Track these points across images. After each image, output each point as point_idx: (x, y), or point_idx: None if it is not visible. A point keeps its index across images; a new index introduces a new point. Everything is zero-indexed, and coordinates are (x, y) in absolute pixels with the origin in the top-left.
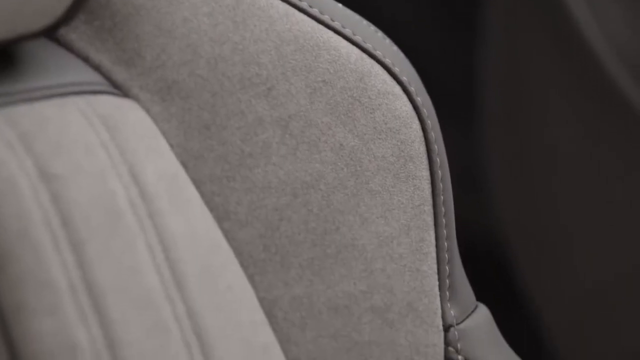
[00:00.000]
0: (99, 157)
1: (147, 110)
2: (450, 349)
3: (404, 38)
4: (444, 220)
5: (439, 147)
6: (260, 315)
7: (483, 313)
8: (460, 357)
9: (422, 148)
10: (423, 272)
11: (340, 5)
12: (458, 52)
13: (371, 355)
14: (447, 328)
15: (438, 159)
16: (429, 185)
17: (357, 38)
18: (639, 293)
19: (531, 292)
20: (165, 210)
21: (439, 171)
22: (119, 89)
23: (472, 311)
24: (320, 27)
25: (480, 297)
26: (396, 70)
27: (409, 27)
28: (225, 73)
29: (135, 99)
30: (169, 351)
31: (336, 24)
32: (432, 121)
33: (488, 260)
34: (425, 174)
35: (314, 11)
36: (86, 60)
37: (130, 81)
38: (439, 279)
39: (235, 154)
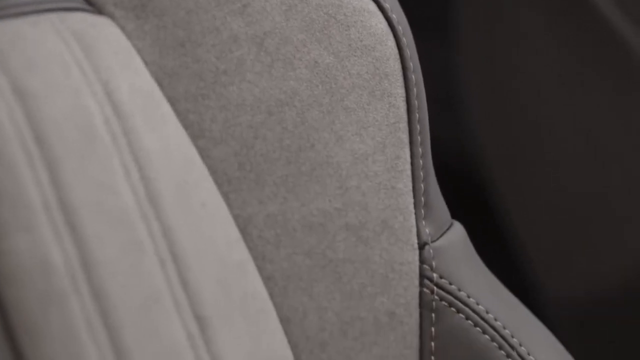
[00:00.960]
0: (73, 74)
1: (122, 28)
2: (425, 266)
3: None
4: (419, 138)
5: (414, 64)
6: (234, 233)
7: (458, 231)
8: (435, 274)
9: (397, 65)
10: (398, 189)
11: None
12: None
13: (345, 272)
14: (422, 246)
15: (413, 77)
16: (404, 103)
17: None
18: (617, 210)
19: (507, 210)
20: (139, 127)
21: (414, 89)
22: (93, 6)
23: (447, 229)
24: None
25: (456, 215)
26: None
27: None
28: None
29: (110, 16)
30: (143, 269)
31: None
32: (407, 38)
33: (464, 178)
34: (401, 91)
35: None
36: None
37: None
38: (414, 197)
39: (209, 72)
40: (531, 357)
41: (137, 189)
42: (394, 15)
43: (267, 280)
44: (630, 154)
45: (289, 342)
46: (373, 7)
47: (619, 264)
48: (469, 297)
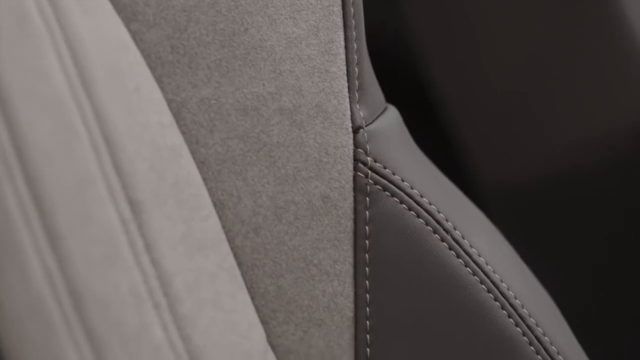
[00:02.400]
0: None
1: None
2: (359, 150)
3: None
4: (353, 21)
5: None
6: (168, 117)
7: (392, 115)
8: (369, 158)
9: None
10: (332, 73)
11: None
12: None
13: (280, 156)
14: (356, 130)
15: None
16: None
17: None
18: (551, 93)
19: (442, 95)
20: (72, 11)
21: None
22: None
23: (381, 113)
24: None
25: (390, 98)
26: None
27: None
28: None
29: None
30: (76, 153)
31: None
32: None
33: (398, 61)
34: None
35: None
36: None
37: None
38: (348, 81)
39: None
40: (465, 240)
41: (70, 73)
42: None
43: (201, 164)
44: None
45: (223, 226)
46: None
47: (546, 153)
48: (403, 180)
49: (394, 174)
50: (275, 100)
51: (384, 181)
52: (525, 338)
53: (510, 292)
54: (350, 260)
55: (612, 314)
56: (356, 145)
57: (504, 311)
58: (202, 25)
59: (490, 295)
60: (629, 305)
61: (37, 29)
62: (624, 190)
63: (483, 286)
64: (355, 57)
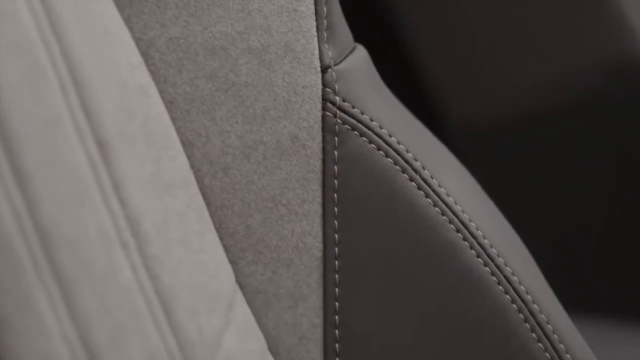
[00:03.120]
0: None
1: None
2: (328, 90)
3: None
4: None
5: None
6: (136, 57)
7: (361, 54)
8: (337, 98)
9: None
10: (300, 12)
11: None
12: None
13: (248, 96)
14: (324, 69)
15: None
16: None
17: None
18: (519, 33)
19: (411, 35)
20: None
21: None
22: None
23: (350, 52)
24: None
25: (359, 38)
26: None
27: None
28: None
29: None
30: (43, 93)
31: None
32: None
33: (368, 3)
34: None
35: None
36: None
37: None
38: (317, 20)
39: None
40: (434, 180)
41: (37, 13)
42: None
43: (170, 104)
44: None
45: (192, 166)
46: None
47: (515, 93)
48: (371, 120)
49: (362, 113)
50: (243, 39)
51: (353, 120)
52: (494, 277)
53: (479, 232)
54: (319, 199)
55: (583, 254)
56: (325, 84)
57: (473, 251)
58: None
59: (459, 234)
60: (601, 246)
61: None
62: (595, 129)
63: (452, 226)
64: None
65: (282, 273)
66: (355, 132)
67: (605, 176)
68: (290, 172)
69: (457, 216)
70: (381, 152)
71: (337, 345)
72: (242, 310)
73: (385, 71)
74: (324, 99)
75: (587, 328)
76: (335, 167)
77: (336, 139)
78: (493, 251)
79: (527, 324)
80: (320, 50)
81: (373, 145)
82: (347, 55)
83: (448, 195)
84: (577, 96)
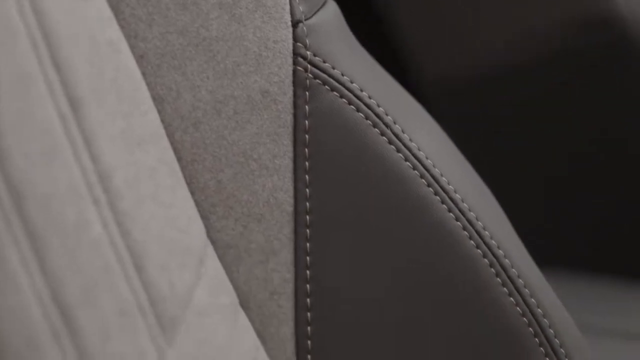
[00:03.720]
0: None
1: None
2: (299, 44)
3: None
4: None
5: None
6: (106, 11)
7: (331, 8)
8: (308, 52)
9: None
10: None
11: None
12: None
13: (219, 50)
14: (295, 24)
15: None
16: None
17: None
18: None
19: None
20: None
21: None
22: None
23: (321, 7)
24: None
25: None
26: None
27: None
28: None
29: None
30: (14, 49)
31: None
32: None
33: None
34: None
35: None
36: None
37: None
38: None
39: None
40: (405, 134)
41: None
42: None
43: (140, 59)
44: None
45: (163, 121)
46: None
47: (489, 47)
48: (342, 75)
49: (333, 68)
50: None
51: (324, 75)
52: (465, 232)
53: (450, 187)
54: (290, 154)
55: (556, 209)
56: (295, 39)
57: (444, 205)
58: None
59: (430, 189)
60: (574, 202)
61: None
62: (570, 84)
63: (423, 180)
64: None
65: (253, 228)
66: (326, 87)
67: (580, 132)
68: (261, 127)
69: (428, 171)
70: (352, 106)
71: (308, 299)
72: (213, 265)
73: (357, 27)
74: (295, 54)
75: (558, 283)
76: (306, 122)
77: (307, 93)
78: (464, 206)
79: (498, 278)
80: (291, 5)
81: (344, 100)
82: (317, 10)
83: (419, 149)
84: (551, 51)
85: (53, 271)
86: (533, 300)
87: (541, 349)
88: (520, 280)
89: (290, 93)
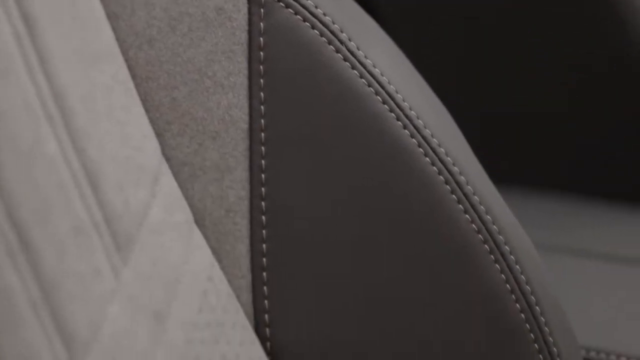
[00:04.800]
0: None
1: None
2: None
3: None
4: None
5: None
6: None
7: None
8: None
9: None
10: None
11: None
12: None
13: None
14: None
15: None
16: None
17: None
18: None
19: None
20: None
21: None
22: None
23: None
24: None
25: None
26: None
27: None
28: None
29: None
30: None
31: None
32: None
33: None
34: None
35: None
36: None
37: None
38: None
39: None
40: (360, 51)
41: None
42: None
43: None
44: None
45: (117, 38)
46: None
47: None
48: None
49: None
50: None
51: None
52: (420, 149)
53: (406, 103)
54: (245, 72)
55: (510, 126)
56: None
57: (399, 122)
58: None
59: (385, 106)
60: (527, 119)
61: None
62: None
63: (378, 97)
64: None
65: (208, 145)
66: (281, 4)
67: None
68: (215, 45)
69: (383, 88)
70: (307, 23)
71: (263, 217)
72: (168, 183)
73: None
74: None
75: (513, 200)
76: (261, 39)
77: (262, 10)
78: (420, 123)
79: (453, 195)
80: None
81: (299, 17)
82: None
83: (374, 66)
84: None
85: (7, 189)
86: (489, 217)
87: (496, 265)
88: (476, 197)
89: (244, 10)
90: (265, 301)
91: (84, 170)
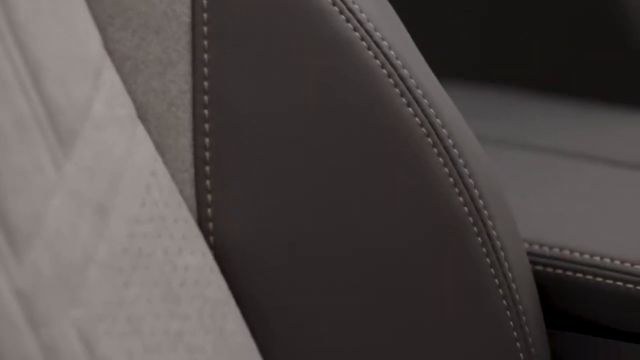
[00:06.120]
0: None
1: None
2: None
3: None
4: None
5: None
6: None
7: None
8: None
9: None
10: None
11: None
12: None
13: None
14: None
15: None
16: None
17: None
18: None
19: None
20: None
21: None
22: None
23: None
24: None
25: None
26: None
27: None
28: None
29: None
30: None
31: None
32: None
33: None
34: None
35: None
36: None
37: None
38: None
39: None
40: None
41: None
42: None
43: None
44: None
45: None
46: None
47: None
48: None
49: None
50: None
51: None
52: (363, 42)
53: (356, 6)
54: None
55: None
56: None
57: (342, 16)
58: None
59: (329, 0)
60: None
61: None
62: None
63: None
64: None
65: (151, 39)
66: None
67: None
68: None
69: None
70: None
71: (206, 111)
72: (111, 77)
73: None
74: None
75: (459, 94)
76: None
77: None
78: (363, 16)
79: (396, 89)
80: None
81: None
82: None
83: None
84: None
85: None
86: (432, 110)
87: (439, 158)
88: (419, 90)
89: None
90: (208, 195)
91: (26, 65)
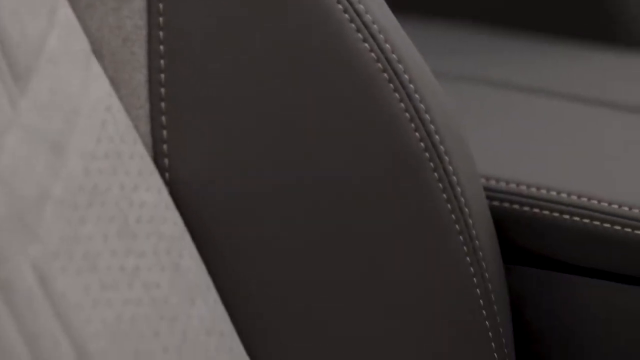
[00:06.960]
0: None
1: None
2: None
3: None
4: None
5: None
6: None
7: None
8: None
9: None
10: None
11: None
12: None
13: None
14: None
15: None
16: None
17: None
18: None
19: None
20: None
21: None
22: None
23: None
24: None
25: None
26: None
27: None
28: None
29: None
30: None
31: None
32: None
33: None
34: None
35: None
36: None
37: None
38: None
39: None
40: None
41: None
42: None
43: None
44: None
45: None
46: None
47: None
48: None
49: None
50: None
51: None
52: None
53: None
54: None
55: None
56: None
57: None
58: None
59: None
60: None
61: None
62: None
63: None
64: None
65: None
66: None
67: None
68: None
69: None
70: None
71: (161, 46)
72: (66, 13)
73: None
74: None
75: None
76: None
77: None
78: None
79: (352, 24)
80: None
81: None
82: None
83: None
84: None
85: None
86: (387, 45)
87: (395, 94)
88: (375, 26)
89: None
90: (164, 131)
91: None
